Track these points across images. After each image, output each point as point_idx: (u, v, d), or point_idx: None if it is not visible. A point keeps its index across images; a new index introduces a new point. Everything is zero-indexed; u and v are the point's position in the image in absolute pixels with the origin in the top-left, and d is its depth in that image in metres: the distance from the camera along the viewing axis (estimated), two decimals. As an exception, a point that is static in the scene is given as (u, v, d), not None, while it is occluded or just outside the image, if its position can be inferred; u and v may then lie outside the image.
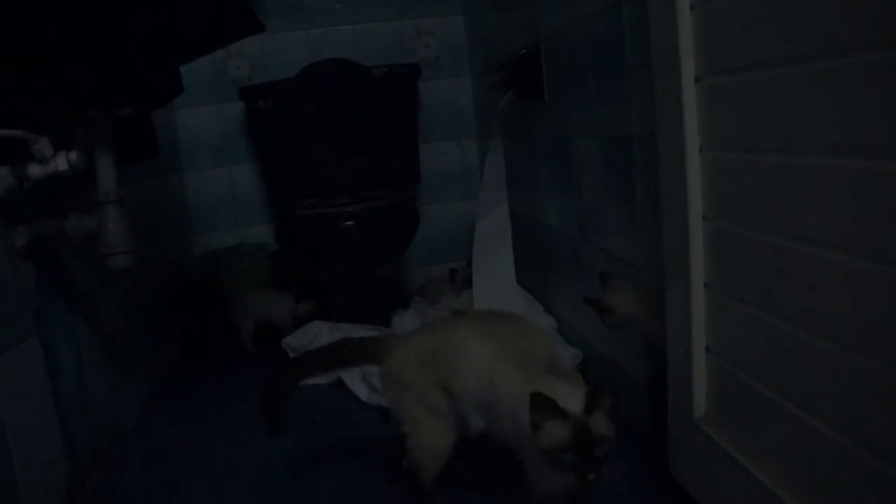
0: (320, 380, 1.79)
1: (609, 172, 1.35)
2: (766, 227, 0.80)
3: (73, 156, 1.14)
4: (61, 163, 1.13)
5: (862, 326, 0.67)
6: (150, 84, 1.36)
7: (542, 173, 1.80)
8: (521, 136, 1.89)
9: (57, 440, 1.21)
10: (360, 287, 2.15)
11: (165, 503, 1.28)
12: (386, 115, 2.32)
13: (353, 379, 1.69)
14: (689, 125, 0.92)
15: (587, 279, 1.54)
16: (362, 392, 1.65)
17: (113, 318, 1.58)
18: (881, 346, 0.64)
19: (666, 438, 1.08)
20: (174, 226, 2.33)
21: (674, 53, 0.92)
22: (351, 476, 1.31)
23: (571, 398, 0.88)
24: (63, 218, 1.22)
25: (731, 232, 0.88)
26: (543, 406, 0.87)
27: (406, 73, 2.34)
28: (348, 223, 2.00)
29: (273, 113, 2.27)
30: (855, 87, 0.64)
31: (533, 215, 1.92)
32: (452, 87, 2.56)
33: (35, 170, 1.13)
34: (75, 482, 1.25)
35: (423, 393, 1.08)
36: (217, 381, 1.89)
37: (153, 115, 1.53)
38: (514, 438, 0.96)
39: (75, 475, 1.25)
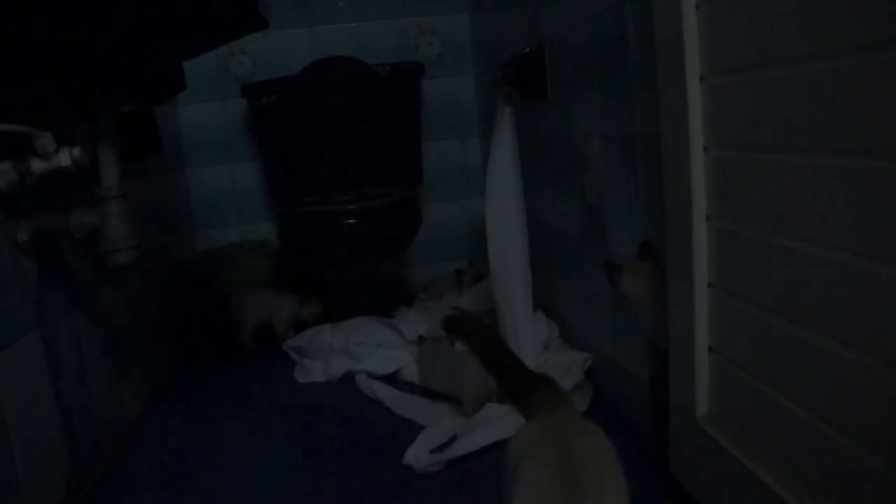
0: (319, 377, 1.79)
1: (613, 172, 1.35)
2: (770, 228, 0.80)
3: (76, 151, 1.14)
4: (64, 158, 1.13)
5: (866, 327, 0.67)
6: (153, 80, 1.36)
7: (546, 172, 1.79)
8: (525, 135, 1.89)
9: (58, 436, 1.21)
10: (361, 285, 2.15)
11: (166, 500, 1.28)
12: (389, 113, 2.32)
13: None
14: (693, 124, 0.92)
15: (590, 278, 1.53)
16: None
17: (115, 314, 1.58)
18: (885, 347, 0.64)
19: (668, 438, 1.08)
20: (177, 222, 2.33)
21: (678, 52, 0.92)
22: (354, 473, 1.31)
23: None
24: (65, 214, 1.22)
25: (734, 232, 0.87)
26: None
27: (409, 71, 2.34)
28: (350, 221, 2.01)
29: (276, 110, 2.27)
30: (860, 86, 0.64)
31: (536, 215, 1.92)
32: (455, 85, 2.56)
33: (38, 165, 1.13)
34: (76, 478, 1.25)
35: None
36: (218, 379, 1.89)
37: (156, 111, 1.53)
38: None
39: (76, 471, 1.25)
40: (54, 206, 1.25)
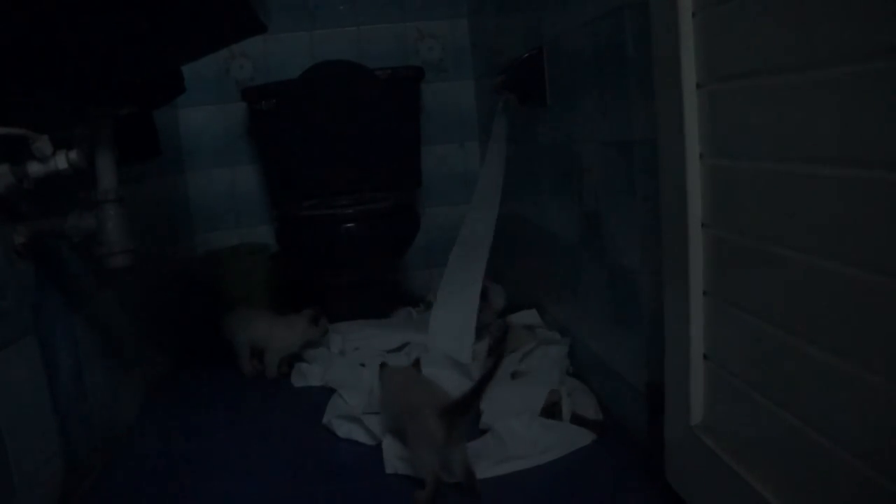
0: (316, 382, 1.79)
1: (610, 178, 1.35)
2: (765, 236, 0.80)
3: (73, 154, 1.14)
4: (61, 161, 1.13)
5: (860, 337, 0.66)
6: (152, 83, 1.36)
7: (543, 177, 1.79)
8: (523, 140, 1.89)
9: (54, 438, 1.21)
10: (359, 289, 2.15)
11: (163, 503, 1.28)
12: (388, 117, 2.32)
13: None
14: (689, 131, 0.92)
15: (586, 284, 1.53)
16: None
17: (112, 316, 1.58)
18: (879, 358, 0.64)
19: (663, 445, 1.08)
20: (176, 225, 2.33)
21: (675, 59, 0.92)
22: (349, 479, 1.30)
23: None
24: (62, 217, 1.22)
25: (730, 240, 0.87)
26: None
27: (409, 75, 2.34)
28: (349, 225, 2.01)
29: (275, 114, 2.27)
30: (856, 95, 0.64)
31: (533, 219, 1.92)
32: (455, 89, 2.56)
33: (35, 168, 1.13)
34: (72, 481, 1.25)
35: None
36: (216, 382, 1.89)
37: (156, 113, 1.53)
38: None
39: (72, 474, 1.25)
40: (51, 209, 1.25)
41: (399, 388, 1.34)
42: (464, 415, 1.18)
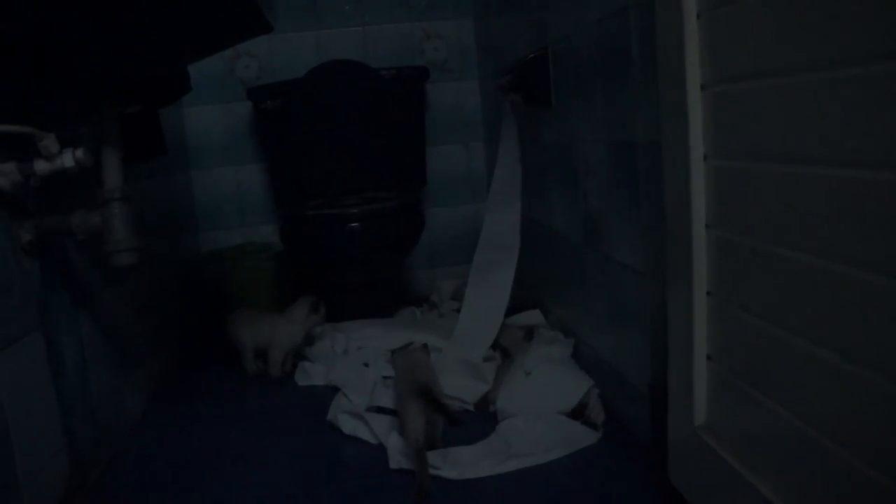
0: (319, 381, 1.79)
1: (614, 178, 1.35)
2: (769, 237, 0.80)
3: (80, 153, 1.15)
4: (67, 160, 1.14)
5: (864, 338, 0.66)
6: (158, 82, 1.37)
7: (547, 177, 1.79)
8: (528, 140, 1.89)
9: (59, 435, 1.21)
10: (363, 288, 2.15)
11: (166, 500, 1.28)
12: (393, 116, 2.32)
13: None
14: (693, 133, 0.91)
15: (590, 284, 1.54)
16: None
17: (117, 314, 1.58)
18: (883, 358, 0.64)
19: (666, 446, 1.08)
20: (181, 224, 2.34)
21: (679, 60, 0.92)
22: (351, 477, 1.31)
23: None
24: (69, 214, 1.23)
25: (734, 241, 0.87)
26: None
27: (414, 75, 2.34)
28: (354, 225, 2.01)
29: (281, 113, 2.28)
30: (861, 97, 0.64)
31: (537, 219, 1.92)
32: (460, 90, 2.57)
33: (41, 166, 1.13)
34: (77, 477, 1.25)
35: None
36: (220, 379, 1.89)
37: (161, 112, 1.54)
38: None
39: (77, 470, 1.26)
40: (58, 206, 1.26)
41: (400, 367, 1.48)
42: (432, 407, 1.28)
